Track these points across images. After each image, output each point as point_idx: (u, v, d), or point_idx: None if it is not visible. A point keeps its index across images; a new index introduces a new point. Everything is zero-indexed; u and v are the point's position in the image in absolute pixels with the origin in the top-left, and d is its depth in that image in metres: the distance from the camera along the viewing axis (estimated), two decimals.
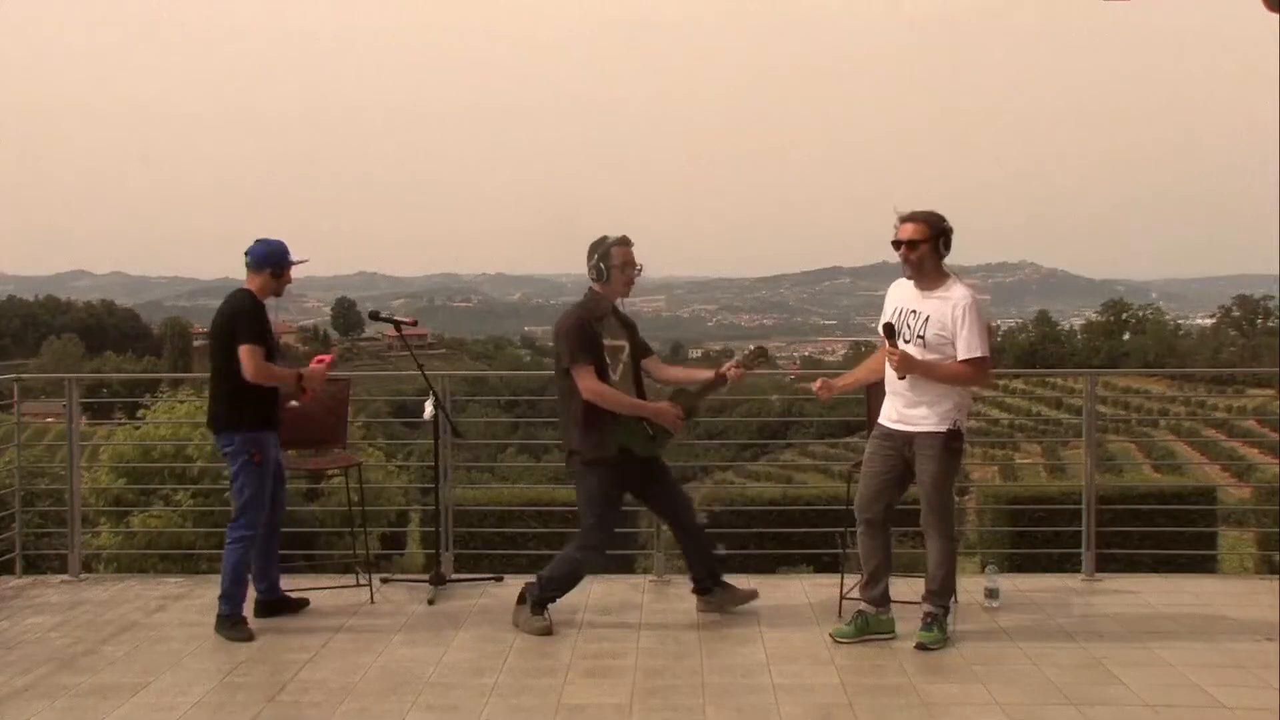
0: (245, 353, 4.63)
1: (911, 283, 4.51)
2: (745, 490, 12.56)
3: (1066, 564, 5.82)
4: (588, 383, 4.61)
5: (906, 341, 4.43)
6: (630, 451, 4.69)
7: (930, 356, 4.38)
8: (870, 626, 4.58)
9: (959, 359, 4.36)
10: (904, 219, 4.44)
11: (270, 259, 4.80)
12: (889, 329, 4.42)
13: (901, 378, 4.41)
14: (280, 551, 5.19)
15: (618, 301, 4.88)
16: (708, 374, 4.91)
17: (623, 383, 4.76)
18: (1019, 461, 30.85)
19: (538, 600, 4.75)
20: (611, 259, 4.74)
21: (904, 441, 4.48)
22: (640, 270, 4.83)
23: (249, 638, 4.67)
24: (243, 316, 4.72)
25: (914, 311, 4.45)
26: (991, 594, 5.03)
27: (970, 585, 5.24)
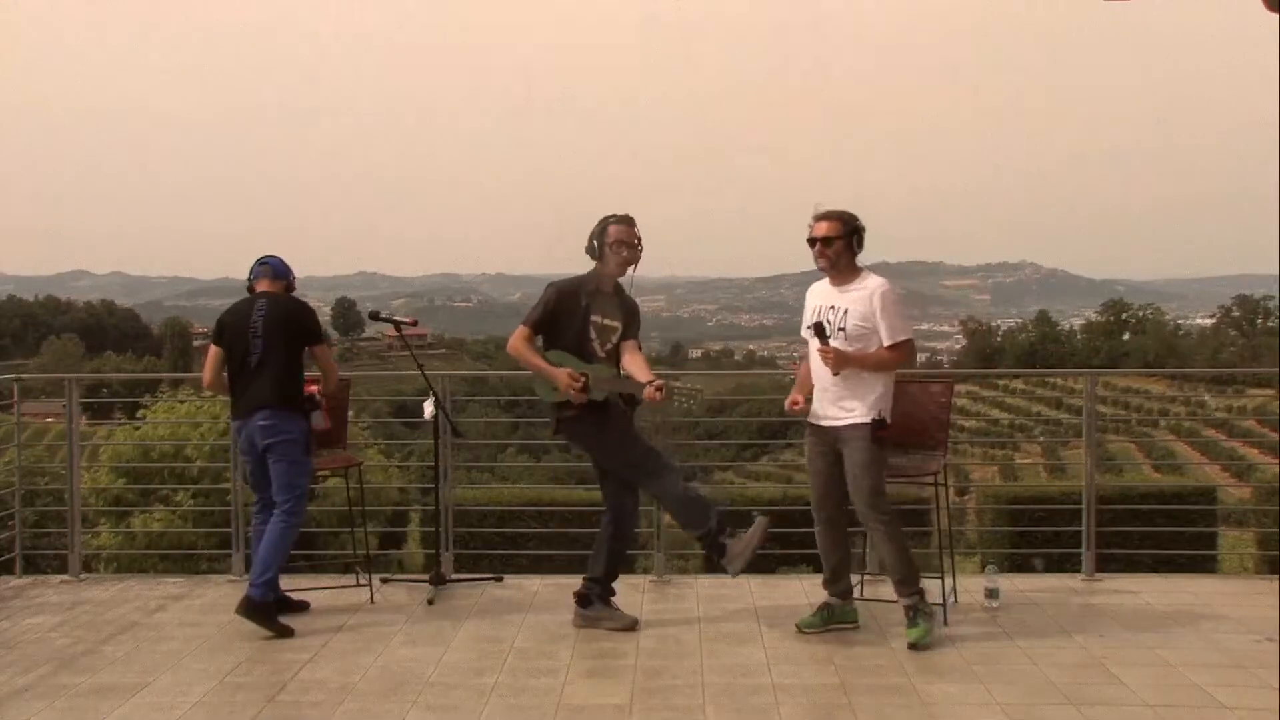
0: (330, 354, 5.11)
1: (827, 281, 4.63)
2: (745, 490, 12.56)
3: (1066, 564, 5.82)
4: (513, 338, 4.77)
5: (833, 336, 4.51)
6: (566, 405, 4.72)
7: (853, 347, 4.48)
8: (835, 616, 4.71)
9: (885, 345, 4.46)
10: (818, 217, 4.56)
11: (288, 273, 5.06)
12: (819, 328, 4.51)
13: (836, 374, 4.49)
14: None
15: (627, 285, 4.89)
16: (636, 380, 4.66)
17: (608, 361, 4.77)
18: (1019, 461, 30.85)
19: (715, 538, 4.61)
20: (606, 236, 4.77)
21: (834, 436, 4.58)
22: (638, 249, 4.80)
23: (285, 632, 4.71)
24: (315, 320, 5.09)
25: (832, 307, 4.56)
26: (991, 594, 5.03)
27: (970, 585, 5.24)
